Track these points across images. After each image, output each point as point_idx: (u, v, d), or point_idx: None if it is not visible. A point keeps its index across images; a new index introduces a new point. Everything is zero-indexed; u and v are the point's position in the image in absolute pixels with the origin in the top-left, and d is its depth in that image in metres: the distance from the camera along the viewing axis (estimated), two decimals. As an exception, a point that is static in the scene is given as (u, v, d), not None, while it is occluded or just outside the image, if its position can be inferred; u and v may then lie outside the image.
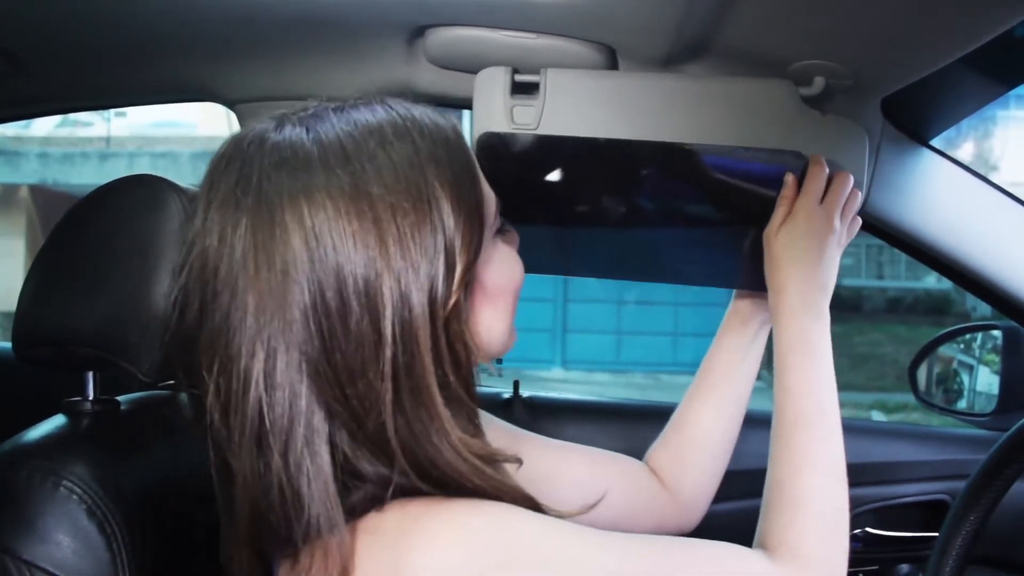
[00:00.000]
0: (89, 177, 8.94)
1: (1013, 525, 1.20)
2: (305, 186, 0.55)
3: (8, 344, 0.80)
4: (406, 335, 0.55)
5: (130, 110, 8.48)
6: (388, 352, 0.54)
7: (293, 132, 0.58)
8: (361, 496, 0.56)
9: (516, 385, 1.40)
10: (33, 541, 0.64)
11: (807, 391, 0.73)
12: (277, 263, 0.54)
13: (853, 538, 1.30)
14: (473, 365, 0.60)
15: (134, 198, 0.75)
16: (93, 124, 9.71)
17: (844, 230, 0.81)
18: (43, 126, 9.34)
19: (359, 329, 0.54)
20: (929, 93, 0.93)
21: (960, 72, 0.84)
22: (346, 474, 0.56)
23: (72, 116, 8.03)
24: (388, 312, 0.54)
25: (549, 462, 0.84)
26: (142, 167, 8.72)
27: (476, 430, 0.60)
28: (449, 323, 0.57)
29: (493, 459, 0.58)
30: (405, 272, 0.55)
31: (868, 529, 1.30)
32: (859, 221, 0.84)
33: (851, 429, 1.40)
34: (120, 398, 0.79)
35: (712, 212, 0.89)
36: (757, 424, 1.34)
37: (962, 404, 1.34)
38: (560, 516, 0.60)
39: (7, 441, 0.71)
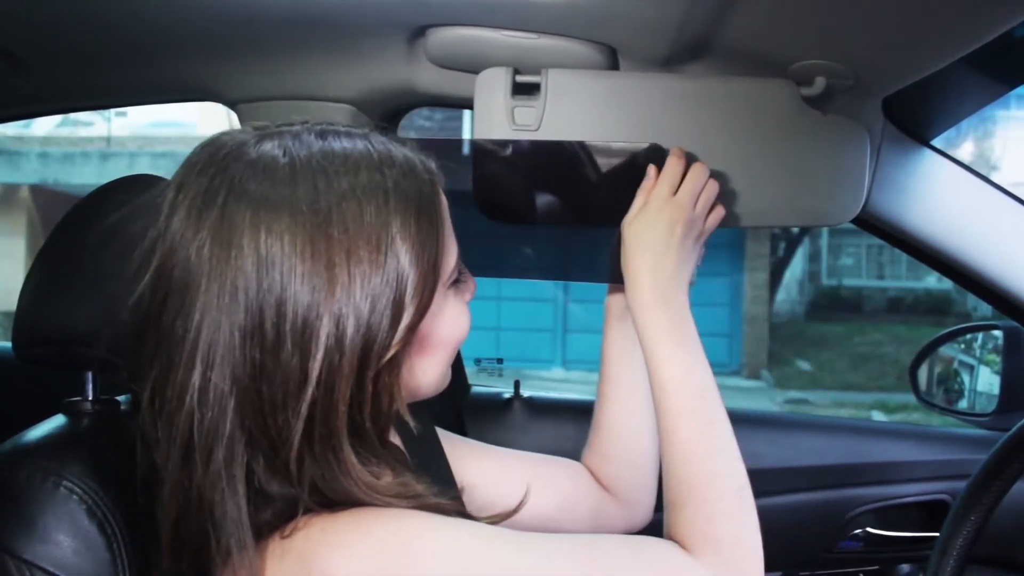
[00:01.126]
0: (89, 177, 8.94)
1: (1013, 525, 1.20)
2: (268, 215, 0.55)
3: (8, 344, 0.80)
4: (330, 380, 0.56)
5: (130, 110, 8.49)
6: (309, 393, 0.55)
7: (271, 153, 0.58)
8: (269, 514, 0.57)
9: (516, 385, 1.41)
10: (33, 541, 0.64)
11: (682, 382, 0.71)
12: (228, 283, 0.55)
13: (853, 538, 1.30)
14: (394, 416, 0.61)
15: (134, 198, 0.75)
16: (93, 124, 9.72)
17: (702, 220, 0.80)
18: (43, 126, 9.35)
19: (288, 365, 0.55)
20: (930, 93, 0.93)
21: (960, 72, 0.84)
22: (258, 496, 0.57)
23: (72, 116, 8.04)
24: (319, 354, 0.55)
25: (490, 467, 0.85)
26: (142, 167, 8.72)
27: (386, 470, 0.60)
28: (380, 374, 0.58)
29: (403, 496, 0.59)
30: (346, 319, 0.55)
31: (868, 529, 1.30)
32: (721, 212, 0.82)
33: (851, 429, 1.41)
34: (120, 398, 0.79)
35: (588, 207, 0.87)
36: (750, 424, 1.35)
37: (963, 404, 1.34)
38: (491, 521, 0.61)
39: (7, 441, 0.70)
